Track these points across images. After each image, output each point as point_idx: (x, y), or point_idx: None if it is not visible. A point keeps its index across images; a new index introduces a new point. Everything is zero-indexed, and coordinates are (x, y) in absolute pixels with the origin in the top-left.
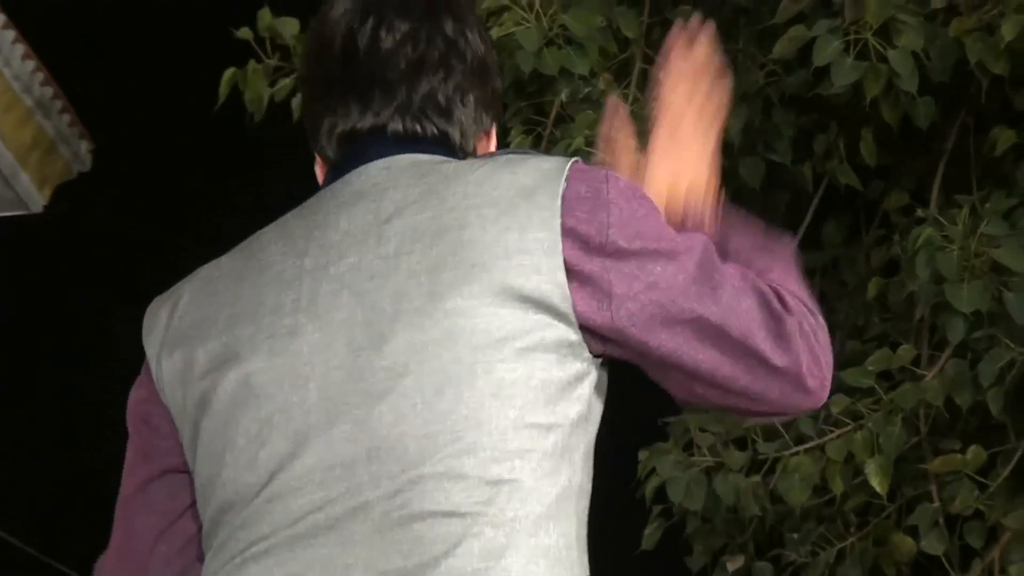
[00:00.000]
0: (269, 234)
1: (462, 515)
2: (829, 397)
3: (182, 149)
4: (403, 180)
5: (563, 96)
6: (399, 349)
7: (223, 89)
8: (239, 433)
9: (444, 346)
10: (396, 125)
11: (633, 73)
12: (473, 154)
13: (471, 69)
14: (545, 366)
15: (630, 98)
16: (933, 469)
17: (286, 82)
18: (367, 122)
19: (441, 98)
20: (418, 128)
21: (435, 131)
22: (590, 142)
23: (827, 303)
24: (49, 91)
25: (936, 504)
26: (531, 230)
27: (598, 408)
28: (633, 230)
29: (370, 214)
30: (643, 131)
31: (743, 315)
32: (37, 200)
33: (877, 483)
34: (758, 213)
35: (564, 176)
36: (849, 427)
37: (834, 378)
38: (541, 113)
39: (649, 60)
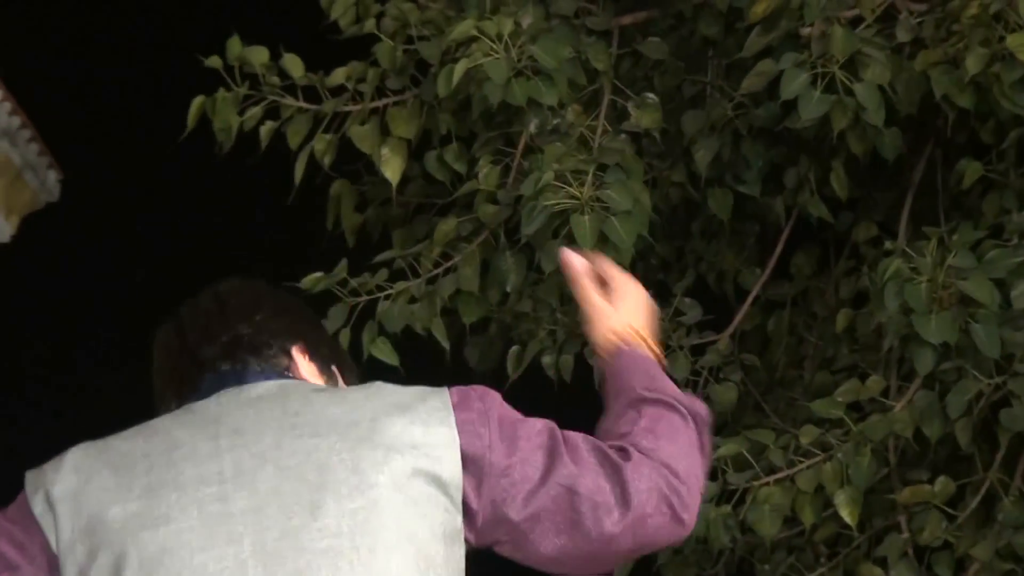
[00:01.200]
0: (163, 423)
1: None
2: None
3: (150, 180)
4: (299, 388)
5: (532, 127)
6: (330, 512)
7: (192, 118)
8: None
9: (372, 512)
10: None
11: (602, 105)
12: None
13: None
14: (447, 547)
15: (598, 129)
16: (902, 500)
17: (255, 111)
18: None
19: None
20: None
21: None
22: (559, 175)
23: (796, 334)
24: (17, 120)
25: (905, 535)
26: (433, 425)
27: None
28: (503, 436)
29: (276, 408)
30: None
31: (589, 488)
32: (4, 229)
33: (847, 514)
34: (727, 244)
35: (444, 389)
36: (819, 458)
37: (803, 409)
38: (510, 144)
39: (617, 91)
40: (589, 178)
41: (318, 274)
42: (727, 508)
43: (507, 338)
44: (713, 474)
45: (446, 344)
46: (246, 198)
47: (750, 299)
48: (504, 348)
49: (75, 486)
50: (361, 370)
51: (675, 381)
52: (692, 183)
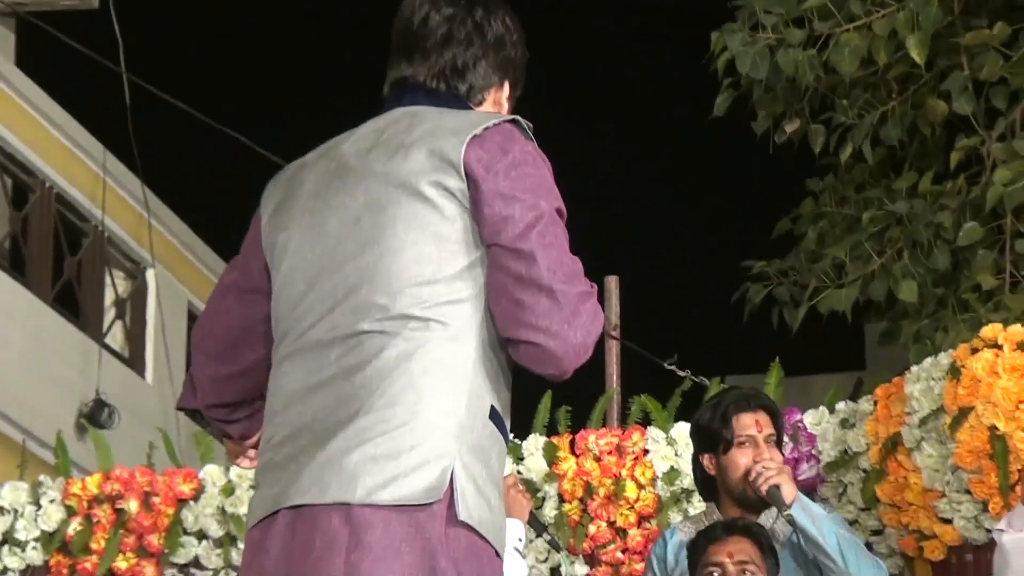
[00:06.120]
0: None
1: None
2: None
3: None
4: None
5: None
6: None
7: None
8: None
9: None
10: (423, 79)
11: None
12: (482, 103)
13: (487, 43)
14: None
15: None
16: (965, 42)
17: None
18: (406, 73)
19: (459, 63)
20: (437, 84)
21: (446, 86)
22: None
23: None
24: None
25: (967, 72)
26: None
27: None
28: None
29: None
30: None
31: None
32: None
33: (916, 54)
34: None
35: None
36: (893, 7)
37: None
38: None
39: None
40: None
41: None
42: (812, 51)
43: None
44: (800, 22)
45: None
46: None
47: None
48: None
49: None
50: None
51: None
52: None
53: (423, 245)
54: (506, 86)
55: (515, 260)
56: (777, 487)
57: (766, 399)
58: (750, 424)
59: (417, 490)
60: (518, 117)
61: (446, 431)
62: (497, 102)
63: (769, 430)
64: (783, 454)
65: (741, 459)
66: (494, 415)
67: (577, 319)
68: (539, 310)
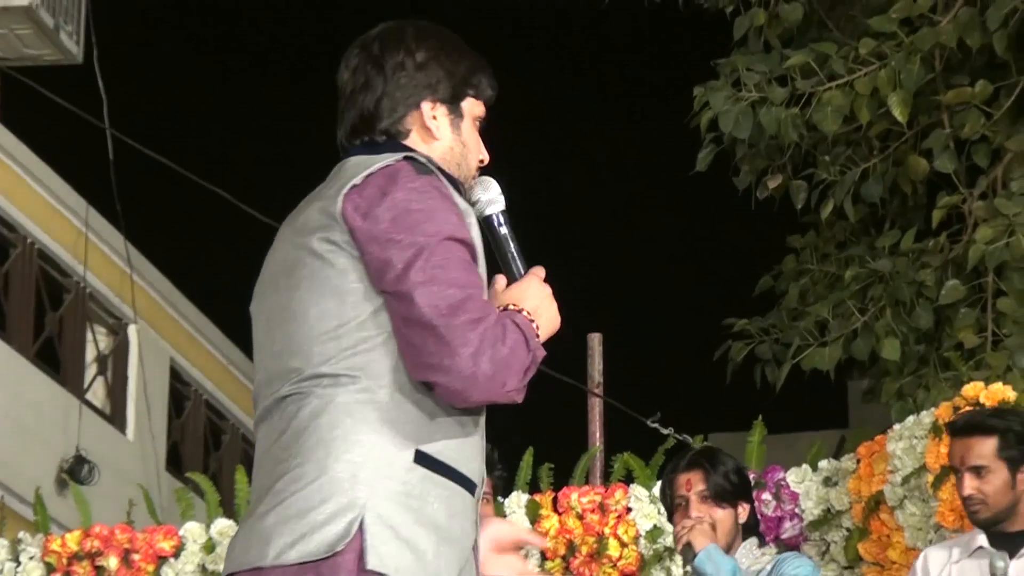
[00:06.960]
0: None
1: None
2: None
3: None
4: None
5: None
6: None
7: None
8: None
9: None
10: (345, 139)
11: None
12: (408, 134)
13: (387, 76)
14: None
15: None
16: (946, 100)
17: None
18: (337, 137)
19: (365, 111)
20: (359, 138)
21: (366, 137)
22: None
23: None
24: None
25: (948, 130)
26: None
27: None
28: None
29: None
30: None
31: None
32: None
33: (898, 112)
34: None
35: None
36: (875, 66)
37: (862, 23)
38: None
39: None
40: None
41: None
42: (795, 110)
43: None
44: (783, 80)
45: None
46: None
47: None
48: None
49: None
50: None
51: None
52: None
53: (324, 302)
54: (426, 106)
55: (399, 303)
56: (688, 544)
57: (698, 455)
58: (682, 485)
59: (323, 545)
60: (414, 154)
61: (355, 482)
62: (424, 126)
63: (700, 487)
64: (763, 510)
65: (678, 522)
66: (423, 459)
67: (465, 349)
68: (427, 349)
